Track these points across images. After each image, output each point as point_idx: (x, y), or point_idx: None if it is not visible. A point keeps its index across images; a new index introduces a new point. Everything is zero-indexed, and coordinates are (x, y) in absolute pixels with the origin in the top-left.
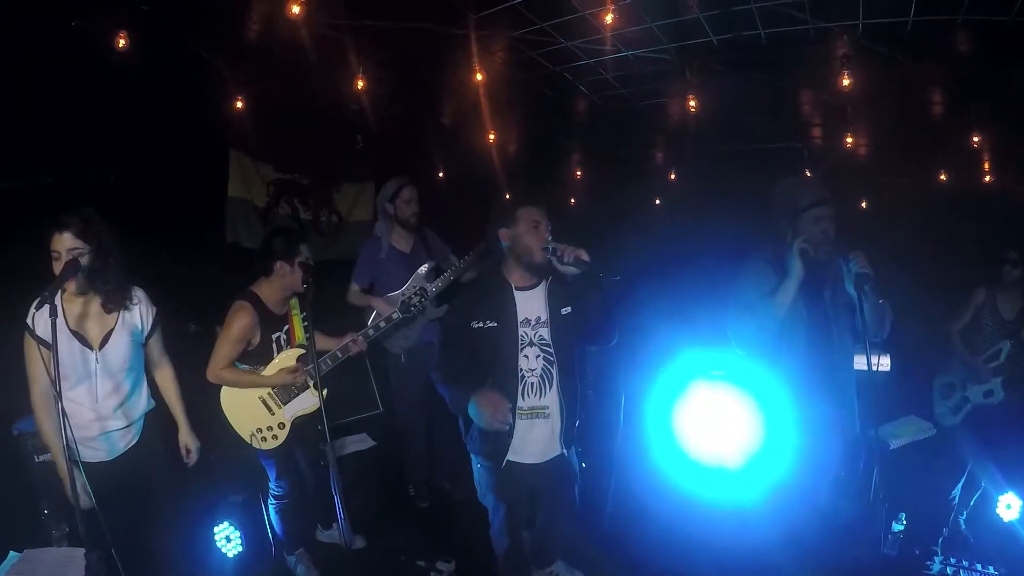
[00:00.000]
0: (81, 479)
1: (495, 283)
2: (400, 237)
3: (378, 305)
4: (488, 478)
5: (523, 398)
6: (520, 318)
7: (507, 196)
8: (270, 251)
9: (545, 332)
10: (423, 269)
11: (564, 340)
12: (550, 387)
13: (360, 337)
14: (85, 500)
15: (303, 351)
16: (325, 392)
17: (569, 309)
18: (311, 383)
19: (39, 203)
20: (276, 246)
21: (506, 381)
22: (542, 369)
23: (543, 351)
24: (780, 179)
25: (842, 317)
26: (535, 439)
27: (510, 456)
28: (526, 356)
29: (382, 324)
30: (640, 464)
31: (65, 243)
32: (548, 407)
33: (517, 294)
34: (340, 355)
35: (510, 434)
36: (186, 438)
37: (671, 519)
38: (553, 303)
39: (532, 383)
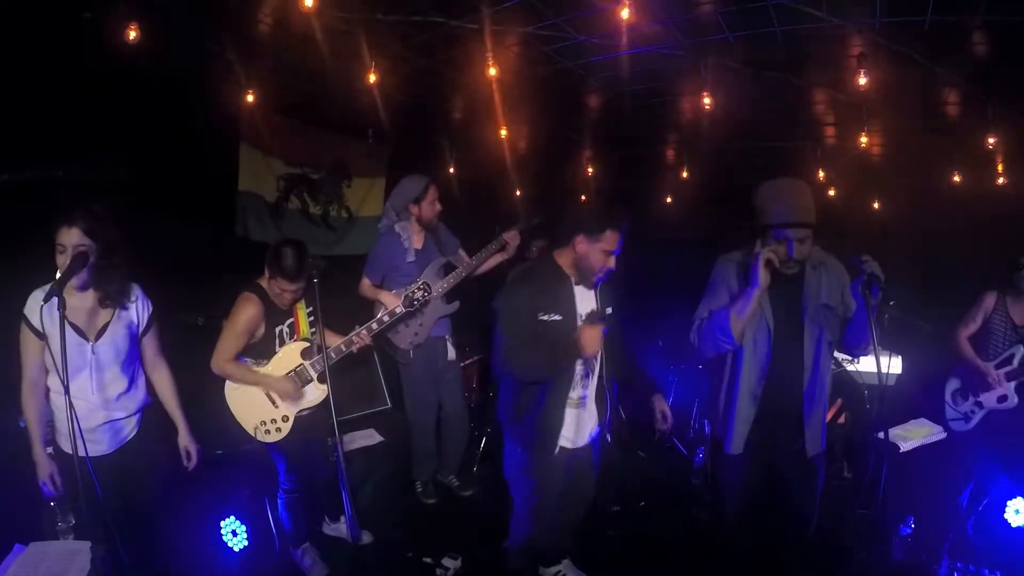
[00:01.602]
0: (80, 470)
1: (555, 275)
2: (415, 234)
3: (385, 298)
4: (530, 463)
5: (572, 388)
6: (578, 312)
7: (600, 208)
8: (270, 258)
9: None
10: (434, 266)
11: (610, 333)
12: (591, 380)
13: (364, 331)
14: (51, 488)
15: (307, 344)
16: (330, 386)
17: (611, 309)
18: (315, 376)
19: (50, 198)
20: (275, 259)
21: (562, 372)
22: (586, 362)
23: None
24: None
25: (819, 326)
26: (578, 427)
27: (561, 442)
28: None
29: (386, 319)
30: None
31: (72, 238)
32: (586, 396)
33: (576, 289)
34: (344, 348)
35: (562, 421)
36: (186, 441)
37: (676, 515)
38: (603, 301)
39: (579, 372)
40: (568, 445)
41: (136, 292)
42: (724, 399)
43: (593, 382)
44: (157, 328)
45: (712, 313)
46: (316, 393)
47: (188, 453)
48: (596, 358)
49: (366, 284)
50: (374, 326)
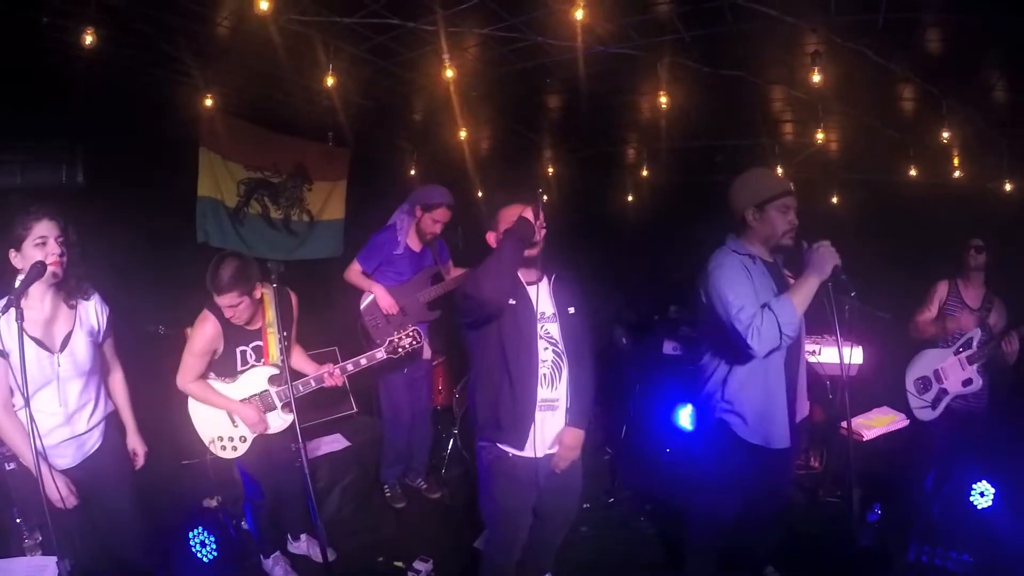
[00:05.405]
0: (63, 479)
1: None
2: (411, 229)
3: (377, 292)
4: (498, 478)
5: (540, 387)
6: (536, 310)
7: (490, 197)
8: (210, 276)
9: (553, 328)
10: (426, 273)
11: (572, 336)
12: (559, 380)
13: (338, 371)
14: (71, 500)
15: (276, 371)
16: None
17: (573, 309)
18: (279, 405)
19: (7, 204)
20: (213, 275)
21: (527, 365)
22: (552, 362)
23: (551, 344)
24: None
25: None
26: (549, 432)
27: (526, 451)
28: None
29: (363, 362)
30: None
31: (52, 229)
32: (558, 400)
33: (527, 288)
34: (314, 384)
35: (530, 425)
36: (134, 441)
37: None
38: (560, 301)
39: (544, 374)
40: (538, 455)
41: (94, 293)
42: (765, 397)
43: (563, 386)
44: (113, 331)
45: (770, 308)
46: (279, 421)
47: (135, 453)
48: (562, 354)
49: (357, 270)
50: (349, 367)
